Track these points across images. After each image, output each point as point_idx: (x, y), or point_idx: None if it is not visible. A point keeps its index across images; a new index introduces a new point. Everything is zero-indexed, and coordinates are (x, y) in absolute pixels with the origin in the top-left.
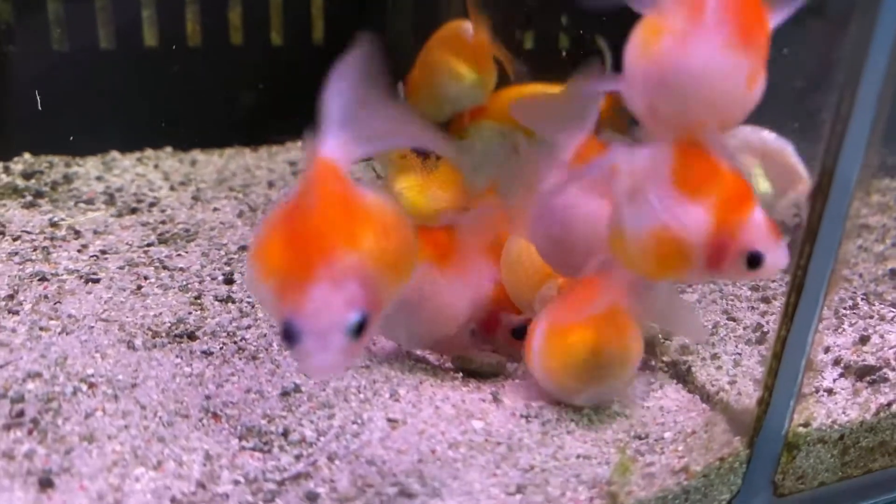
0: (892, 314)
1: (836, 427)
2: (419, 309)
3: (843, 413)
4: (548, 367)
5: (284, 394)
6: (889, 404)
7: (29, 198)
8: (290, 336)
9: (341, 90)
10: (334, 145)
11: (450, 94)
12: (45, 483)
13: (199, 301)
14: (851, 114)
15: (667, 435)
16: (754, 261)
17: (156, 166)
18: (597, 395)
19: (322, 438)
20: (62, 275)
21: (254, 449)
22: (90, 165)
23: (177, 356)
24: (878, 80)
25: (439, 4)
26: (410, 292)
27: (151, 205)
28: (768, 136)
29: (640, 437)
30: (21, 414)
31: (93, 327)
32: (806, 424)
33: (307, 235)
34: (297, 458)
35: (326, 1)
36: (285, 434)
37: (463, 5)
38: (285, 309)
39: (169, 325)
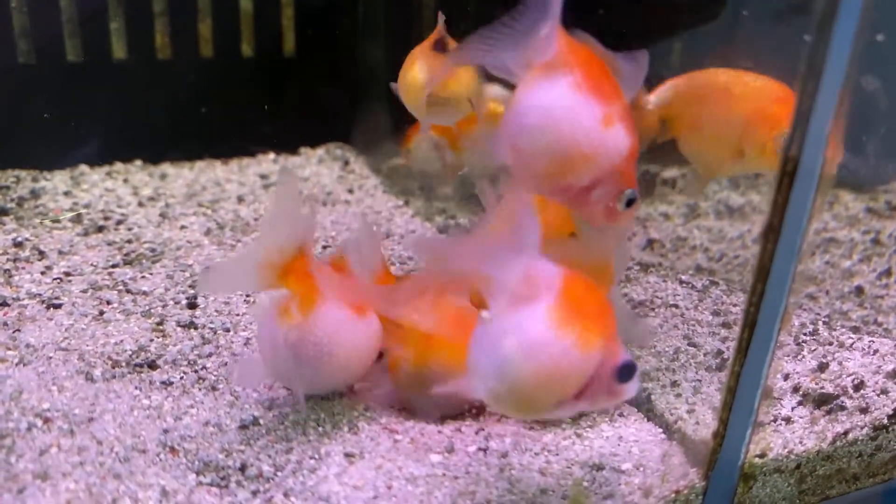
0: (850, 341)
1: (792, 457)
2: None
3: (800, 443)
4: None
5: (243, 427)
6: (846, 433)
7: None
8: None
9: None
10: None
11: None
12: None
13: (161, 327)
14: (799, 164)
15: (625, 466)
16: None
17: (125, 180)
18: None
19: (279, 474)
20: (24, 299)
21: (211, 484)
22: (58, 180)
23: (136, 387)
24: (827, 117)
25: (410, 13)
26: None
27: (118, 222)
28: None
29: (598, 468)
30: None
31: (51, 357)
32: (762, 455)
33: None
34: (254, 493)
35: (297, 12)
36: (243, 469)
37: (433, 16)
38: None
39: (130, 353)
